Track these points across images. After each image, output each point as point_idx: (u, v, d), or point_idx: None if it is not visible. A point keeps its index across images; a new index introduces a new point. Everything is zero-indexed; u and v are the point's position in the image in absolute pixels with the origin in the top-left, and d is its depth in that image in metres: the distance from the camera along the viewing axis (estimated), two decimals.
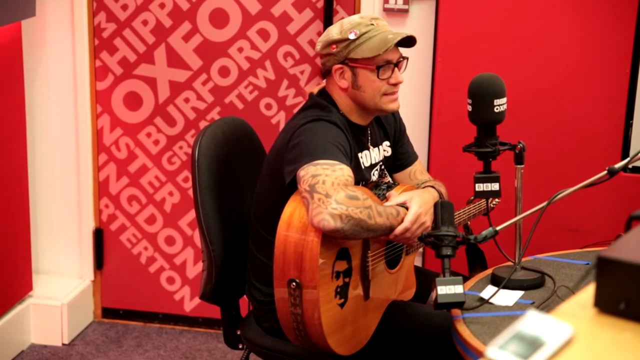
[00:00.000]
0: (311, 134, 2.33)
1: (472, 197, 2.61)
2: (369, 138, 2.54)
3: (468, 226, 2.64)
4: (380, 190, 2.46)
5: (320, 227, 2.17)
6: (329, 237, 2.22)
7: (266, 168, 2.50)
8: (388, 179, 2.59)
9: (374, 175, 2.53)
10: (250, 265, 2.56)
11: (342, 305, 2.31)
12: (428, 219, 2.35)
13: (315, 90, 2.53)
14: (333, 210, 2.16)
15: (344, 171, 2.25)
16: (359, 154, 2.48)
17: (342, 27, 2.42)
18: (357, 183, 2.34)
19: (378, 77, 2.40)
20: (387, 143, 2.61)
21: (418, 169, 2.67)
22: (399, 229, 2.31)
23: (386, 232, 2.31)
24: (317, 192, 2.18)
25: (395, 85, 2.43)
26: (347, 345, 2.34)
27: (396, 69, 2.43)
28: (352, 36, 2.39)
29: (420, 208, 2.34)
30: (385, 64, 2.40)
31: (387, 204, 2.37)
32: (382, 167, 2.57)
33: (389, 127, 2.62)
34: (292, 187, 2.31)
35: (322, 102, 2.46)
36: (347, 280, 2.32)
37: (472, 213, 2.68)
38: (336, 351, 2.30)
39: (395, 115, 2.64)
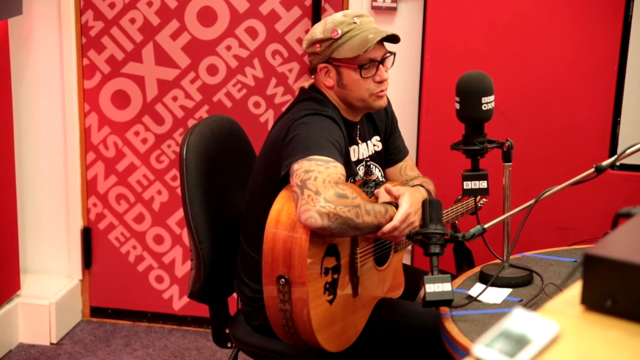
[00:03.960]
0: (308, 128, 2.33)
1: (460, 196, 2.61)
2: (358, 133, 2.53)
3: (455, 225, 2.64)
4: (368, 187, 2.46)
5: (307, 224, 2.17)
6: (317, 233, 2.22)
7: (259, 162, 2.49)
8: (375, 175, 2.59)
9: (360, 171, 2.52)
10: (241, 260, 2.55)
11: (331, 301, 2.30)
12: (417, 219, 2.35)
13: (306, 85, 2.52)
14: (321, 209, 2.15)
15: (337, 169, 2.24)
16: (349, 148, 2.47)
17: (325, 26, 2.41)
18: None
19: (361, 76, 2.40)
20: (377, 138, 2.61)
21: (409, 165, 2.67)
22: (387, 227, 2.31)
23: (374, 230, 2.31)
24: (308, 189, 2.18)
25: (382, 82, 2.43)
26: (336, 342, 2.34)
27: (381, 66, 2.42)
28: (334, 35, 2.39)
29: (410, 207, 2.34)
30: (368, 62, 2.40)
31: (380, 196, 2.36)
32: (369, 163, 2.56)
33: (379, 121, 2.61)
34: (284, 181, 2.31)
35: (318, 96, 2.46)
36: (335, 276, 2.32)
37: (460, 212, 2.68)
38: (325, 348, 2.30)
39: (387, 109, 2.63)
